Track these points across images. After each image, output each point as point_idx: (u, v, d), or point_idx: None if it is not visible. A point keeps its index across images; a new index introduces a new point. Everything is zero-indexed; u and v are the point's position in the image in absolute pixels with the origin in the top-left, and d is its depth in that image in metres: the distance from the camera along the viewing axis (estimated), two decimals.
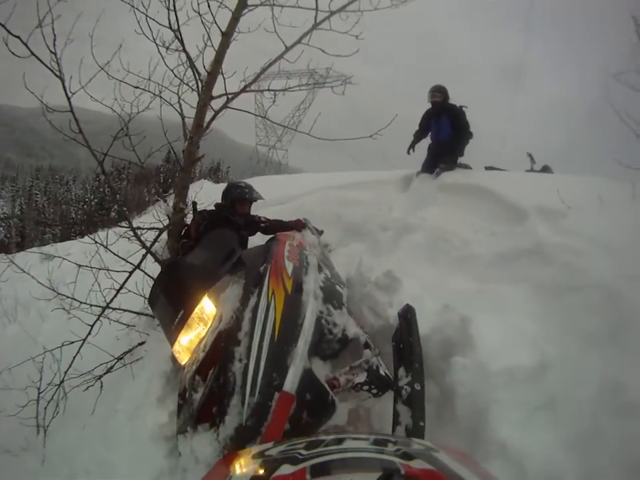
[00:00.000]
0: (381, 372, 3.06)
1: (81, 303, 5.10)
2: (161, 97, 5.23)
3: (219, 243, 4.10)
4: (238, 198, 5.26)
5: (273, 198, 8.13)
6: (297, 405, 2.66)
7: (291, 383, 2.68)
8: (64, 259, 5.79)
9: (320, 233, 6.21)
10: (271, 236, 4.87)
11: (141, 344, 5.10)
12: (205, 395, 2.96)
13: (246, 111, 5.97)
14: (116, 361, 4.92)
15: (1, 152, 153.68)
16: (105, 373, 4.75)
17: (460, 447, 2.80)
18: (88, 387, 4.61)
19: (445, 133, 7.88)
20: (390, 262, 4.77)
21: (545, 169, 9.67)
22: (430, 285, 4.25)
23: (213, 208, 5.38)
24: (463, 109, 7.79)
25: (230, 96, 5.34)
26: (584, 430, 2.57)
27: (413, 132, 8.33)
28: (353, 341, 3.33)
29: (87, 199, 53.86)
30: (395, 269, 4.28)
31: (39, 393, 4.65)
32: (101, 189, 53.98)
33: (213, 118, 5.37)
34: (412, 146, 8.27)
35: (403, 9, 5.49)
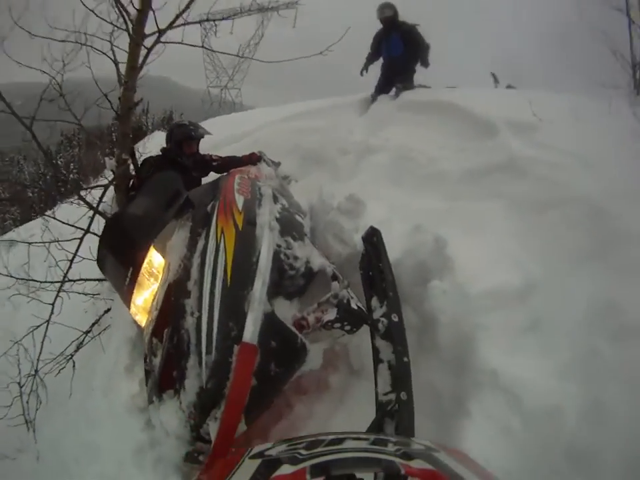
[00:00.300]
0: (353, 305, 2.74)
1: (40, 282, 4.89)
2: (91, 46, 4.89)
3: (160, 187, 3.71)
4: (183, 137, 4.84)
5: (225, 137, 7.98)
6: (261, 355, 2.35)
7: (250, 332, 2.35)
8: (23, 242, 5.36)
9: (277, 164, 5.82)
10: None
11: (106, 311, 4.88)
12: (162, 359, 2.67)
13: (182, 43, 5.53)
14: (84, 335, 4.73)
15: None
16: (75, 351, 4.58)
17: (447, 377, 2.67)
18: (60, 369, 4.46)
19: (396, 49, 7.55)
20: (352, 186, 4.47)
21: (510, 88, 9.37)
22: (397, 206, 3.95)
23: (159, 153, 5.01)
24: (416, 27, 7.47)
25: (161, 31, 4.99)
26: (579, 354, 2.35)
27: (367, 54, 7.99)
28: (319, 274, 2.98)
29: (41, 175, 52.26)
30: (358, 192, 3.94)
31: (20, 388, 4.43)
32: (54, 161, 52.57)
33: (147, 56, 5.00)
34: (365, 67, 8.00)
35: None
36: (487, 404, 2.34)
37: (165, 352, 2.65)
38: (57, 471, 3.59)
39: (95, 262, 3.59)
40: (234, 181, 3.55)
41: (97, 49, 4.88)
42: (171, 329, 2.65)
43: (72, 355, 4.48)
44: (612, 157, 3.43)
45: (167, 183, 3.70)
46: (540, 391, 2.26)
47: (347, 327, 2.72)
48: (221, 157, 5.27)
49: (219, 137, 6.24)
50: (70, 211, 5.13)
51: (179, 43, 5.33)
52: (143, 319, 3.07)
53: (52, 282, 4.84)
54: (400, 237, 3.37)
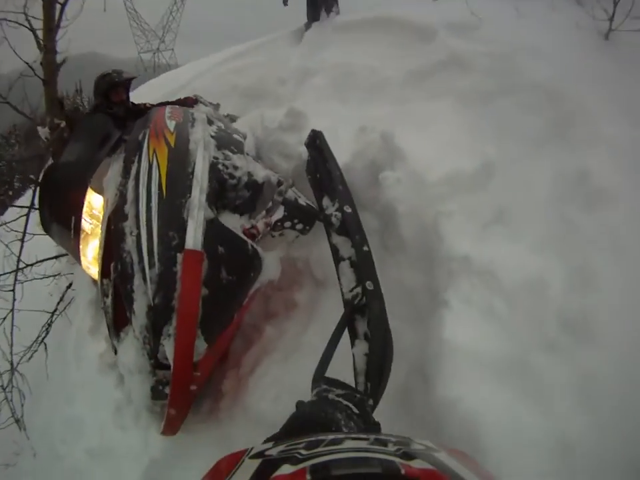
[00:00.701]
0: (301, 202, 2.72)
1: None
2: (5, 19, 4.92)
3: (88, 130, 3.58)
4: (108, 85, 4.34)
5: (162, 94, 7.42)
6: (209, 262, 2.25)
7: (192, 237, 2.23)
8: None
9: (216, 106, 5.47)
10: None
11: (69, 287, 4.85)
12: (112, 295, 2.58)
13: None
14: (52, 315, 4.73)
15: None
16: (47, 332, 4.61)
17: (416, 273, 2.59)
18: (32, 354, 4.46)
19: None
20: (293, 105, 4.11)
21: None
22: (342, 118, 3.78)
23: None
24: None
25: None
26: (554, 227, 2.29)
27: None
28: (266, 187, 2.91)
29: None
30: (296, 106, 3.83)
31: (4, 391, 4.40)
32: None
33: (62, 12, 4.95)
34: None
35: None
36: (464, 290, 2.25)
37: (113, 285, 2.54)
38: (50, 458, 3.66)
39: (45, 236, 3.49)
40: (165, 110, 3.34)
41: (12, 21, 4.84)
42: (115, 260, 2.50)
43: (43, 338, 4.48)
44: (559, 47, 3.31)
45: (95, 124, 3.59)
46: (519, 267, 2.19)
47: (299, 226, 2.68)
48: (152, 104, 4.75)
49: (155, 96, 6.04)
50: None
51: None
52: (95, 271, 2.93)
53: (8, 273, 4.74)
54: (346, 142, 3.25)
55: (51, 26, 4.89)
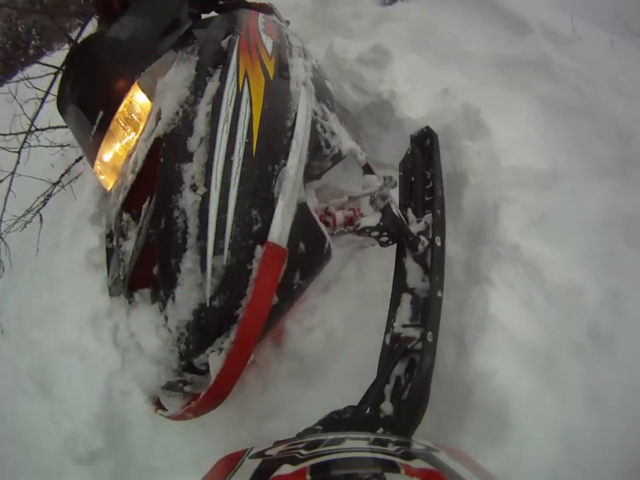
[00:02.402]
0: (395, 212, 2.15)
1: (5, 135, 4.42)
2: None
3: (156, 6, 2.56)
4: None
5: None
6: (287, 264, 1.78)
7: (280, 227, 1.75)
8: None
9: (287, 23, 5.28)
10: None
11: (78, 160, 4.56)
12: (137, 247, 1.99)
13: None
14: (53, 186, 4.45)
15: None
16: (44, 203, 4.37)
17: (462, 246, 2.61)
18: (25, 224, 4.23)
19: None
20: (368, 45, 4.02)
21: None
22: (420, 71, 3.72)
23: None
24: None
25: None
26: (597, 250, 2.36)
27: None
28: (345, 159, 2.44)
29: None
30: (384, 43, 3.75)
31: None
32: (13, 28, 48.82)
33: None
34: None
35: None
36: (508, 275, 2.30)
37: (143, 237, 1.96)
38: (21, 340, 3.49)
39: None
40: (257, 18, 2.60)
41: None
42: (154, 205, 1.91)
43: (39, 209, 4.28)
44: None
45: (165, 2, 2.62)
46: (560, 272, 2.26)
47: (384, 238, 2.17)
48: None
49: None
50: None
51: None
52: (109, 180, 2.33)
53: (17, 133, 4.43)
54: (424, 98, 3.24)
55: None
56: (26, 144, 4.46)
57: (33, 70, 4.82)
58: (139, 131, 2.12)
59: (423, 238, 2.18)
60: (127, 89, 2.13)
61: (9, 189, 4.35)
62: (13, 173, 4.35)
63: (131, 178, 2.05)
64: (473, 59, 3.93)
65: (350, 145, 2.41)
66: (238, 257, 1.73)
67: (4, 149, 4.42)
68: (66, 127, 4.40)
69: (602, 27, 4.22)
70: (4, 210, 4.27)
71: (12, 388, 3.28)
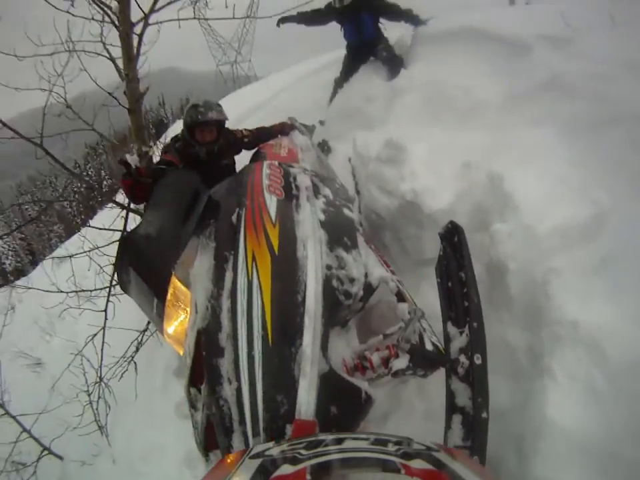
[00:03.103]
0: (427, 346, 2.22)
1: (91, 291, 5.09)
2: (83, 50, 4.92)
3: (173, 193, 3.04)
4: (192, 122, 3.88)
5: (247, 108, 8.07)
6: (321, 425, 1.89)
7: (305, 404, 1.91)
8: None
9: (311, 129, 5.45)
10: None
11: None
12: (203, 422, 2.22)
13: (171, 20, 5.42)
14: (141, 334, 4.84)
15: None
16: (135, 352, 4.71)
17: (521, 332, 2.50)
18: (122, 373, 4.59)
19: (368, 32, 6.15)
20: (387, 132, 4.04)
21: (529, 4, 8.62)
22: (439, 145, 3.65)
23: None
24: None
25: (147, 14, 4.99)
26: None
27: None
28: (379, 289, 2.49)
29: (75, 189, 54.14)
30: (395, 137, 3.68)
31: (89, 396, 4.61)
32: (85, 173, 54.82)
33: (139, 43, 5.01)
34: (288, 21, 6.32)
35: None
36: (569, 361, 2.15)
37: (205, 416, 2.20)
38: (130, 471, 3.81)
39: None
40: (261, 172, 2.94)
41: (90, 51, 4.92)
42: (207, 391, 2.14)
43: (132, 357, 4.60)
44: None
45: (181, 186, 3.05)
46: (623, 341, 2.05)
47: (420, 373, 2.24)
48: (251, 131, 4.44)
49: (241, 110, 6.12)
50: (110, 216, 5.35)
51: (169, 21, 5.29)
52: (178, 348, 2.57)
53: (100, 289, 4.97)
54: (450, 179, 3.21)
55: (130, 55, 4.96)
56: (112, 296, 4.88)
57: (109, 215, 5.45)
58: (188, 314, 2.39)
59: (462, 359, 2.12)
60: (167, 281, 2.46)
61: (103, 342, 4.75)
62: (103, 328, 4.77)
63: (189, 361, 2.28)
64: (486, 107, 3.88)
65: (380, 273, 2.49)
66: (272, 436, 1.87)
67: (92, 310, 5.00)
68: None
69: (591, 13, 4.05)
70: (102, 359, 4.68)
71: None
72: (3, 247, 62.61)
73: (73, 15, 4.66)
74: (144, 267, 2.69)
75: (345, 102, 6.04)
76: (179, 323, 2.49)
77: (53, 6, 4.56)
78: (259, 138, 4.43)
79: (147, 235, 2.80)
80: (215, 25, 5.53)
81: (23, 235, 62.76)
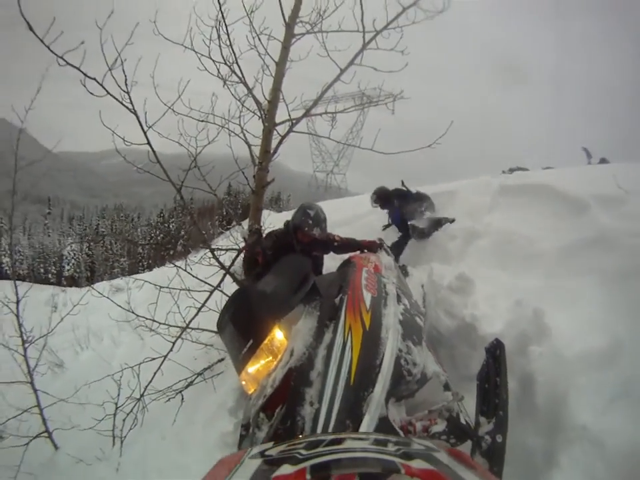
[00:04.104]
0: (462, 420, 2.78)
1: (161, 323, 5.49)
2: (227, 128, 5.71)
3: (290, 269, 3.79)
4: (298, 226, 4.97)
5: (338, 219, 8.46)
6: None
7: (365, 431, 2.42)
8: (148, 282, 6.05)
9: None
10: (345, 256, 4.81)
11: (220, 360, 5.36)
12: (269, 436, 2.68)
13: (310, 133, 6.41)
14: (196, 376, 5.18)
15: (65, 195, 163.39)
16: (186, 387, 5.03)
17: (538, 437, 2.95)
18: (169, 398, 4.89)
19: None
20: (460, 268, 4.90)
21: (603, 162, 9.50)
22: (501, 285, 4.39)
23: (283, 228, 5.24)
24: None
25: (294, 121, 5.85)
26: None
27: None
28: (431, 380, 3.04)
29: (152, 235, 56.46)
30: (466, 272, 4.45)
31: (117, 407, 4.94)
32: (165, 225, 56.79)
33: (280, 142, 5.89)
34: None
35: (441, 18, 5.70)
36: (575, 454, 2.61)
37: (273, 431, 2.66)
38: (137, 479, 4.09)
39: (216, 313, 3.77)
40: (361, 275, 3.66)
41: (231, 131, 5.71)
42: (284, 411, 2.67)
43: (181, 390, 4.93)
44: None
45: (298, 266, 3.81)
46: (624, 439, 2.52)
47: (452, 440, 2.72)
48: (342, 238, 5.30)
49: (332, 218, 6.80)
50: (171, 272, 5.83)
51: (308, 133, 6.18)
52: (251, 387, 3.12)
53: (175, 326, 5.46)
54: (503, 311, 3.82)
55: (268, 149, 5.78)
56: (181, 337, 5.32)
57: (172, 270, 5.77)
58: (277, 359, 2.99)
59: (486, 437, 2.64)
60: (270, 329, 3.08)
61: (159, 368, 5.15)
62: (165, 356, 5.16)
63: (269, 390, 2.84)
64: (545, 257, 4.52)
65: (434, 369, 3.04)
66: None
67: (162, 336, 5.36)
68: (211, 331, 5.35)
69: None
70: (151, 380, 5.01)
71: None
72: (69, 253, 65.95)
73: (234, 94, 5.58)
74: (253, 315, 3.32)
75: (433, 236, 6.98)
76: (264, 364, 3.09)
77: (217, 76, 5.55)
78: (348, 245, 5.27)
79: (263, 291, 3.50)
80: (322, 130, 6.30)
81: (91, 253, 66.67)
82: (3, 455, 4.97)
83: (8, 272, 59.22)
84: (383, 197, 7.81)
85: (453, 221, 7.05)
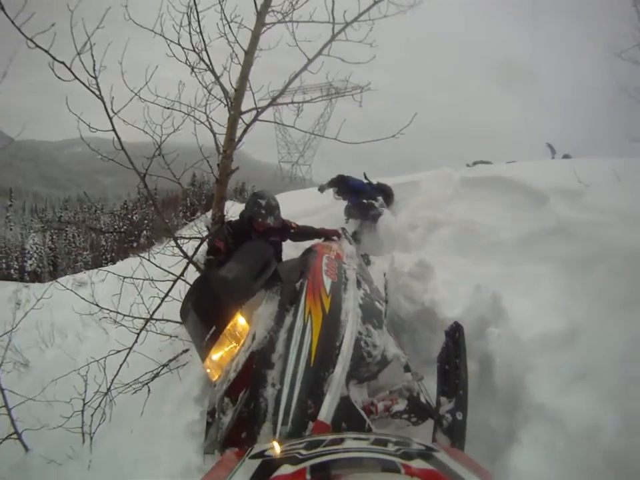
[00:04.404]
0: (422, 399, 2.90)
1: (125, 315, 5.40)
2: (192, 116, 5.66)
3: (253, 256, 3.88)
4: (252, 216, 4.93)
5: (300, 210, 8.56)
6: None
7: (326, 411, 2.54)
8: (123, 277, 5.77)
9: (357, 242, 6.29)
10: (308, 244, 4.93)
11: (185, 351, 5.33)
12: (233, 420, 2.80)
13: (276, 122, 6.43)
14: (162, 367, 5.17)
15: (28, 186, 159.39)
16: (152, 379, 4.98)
17: (499, 416, 3.01)
18: (136, 391, 4.85)
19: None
20: (421, 256, 4.88)
21: (566, 157, 9.75)
22: (461, 272, 4.46)
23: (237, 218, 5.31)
24: None
25: (260, 109, 5.81)
26: (620, 383, 2.65)
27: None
28: (392, 362, 3.17)
29: (115, 227, 56.02)
30: (426, 258, 4.51)
31: (85, 404, 4.85)
32: (129, 216, 56.12)
33: (245, 131, 5.82)
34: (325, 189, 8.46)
35: (411, 13, 5.71)
36: (535, 431, 2.67)
37: (237, 413, 2.79)
38: (109, 476, 4.06)
39: (180, 303, 3.75)
40: (322, 261, 3.85)
41: (197, 119, 5.69)
42: (248, 394, 2.80)
43: (148, 382, 4.90)
44: None
45: (260, 252, 3.90)
46: (582, 416, 2.57)
47: (413, 419, 2.87)
48: (298, 226, 5.45)
49: (293, 210, 6.80)
50: (134, 263, 5.77)
51: (272, 122, 6.37)
52: (215, 374, 3.22)
53: (139, 317, 5.43)
54: (462, 297, 3.87)
55: (233, 137, 5.74)
56: (145, 329, 5.30)
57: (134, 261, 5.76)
58: (240, 344, 3.15)
59: (447, 415, 2.73)
60: (232, 315, 3.22)
61: (124, 360, 5.08)
62: (130, 348, 5.12)
63: (233, 375, 2.98)
64: (505, 245, 4.63)
65: (394, 351, 3.18)
66: (297, 428, 2.50)
67: (127, 327, 5.32)
68: (175, 321, 5.32)
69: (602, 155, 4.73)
70: (117, 374, 4.92)
71: None
72: (31, 247, 64.16)
73: (200, 82, 5.54)
74: (215, 301, 3.45)
75: (390, 226, 7.07)
76: (227, 350, 3.21)
77: (186, 63, 5.51)
78: (305, 233, 5.43)
79: (224, 277, 3.60)
80: (288, 120, 6.32)
81: (53, 246, 65.42)
82: None
83: None
84: (344, 189, 8.04)
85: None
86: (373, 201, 7.81)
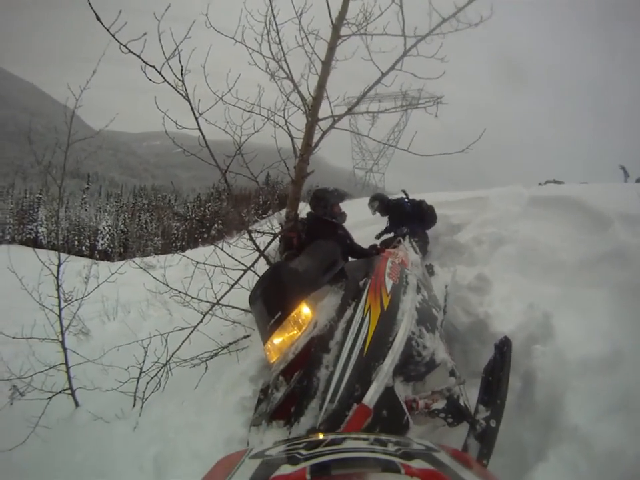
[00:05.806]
0: (461, 402, 3.06)
1: (193, 297, 5.71)
2: (272, 120, 5.96)
3: (322, 253, 4.14)
4: (336, 200, 5.49)
5: (371, 218, 8.74)
6: (372, 419, 2.68)
7: (370, 397, 2.71)
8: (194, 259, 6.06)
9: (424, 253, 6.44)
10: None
11: (246, 337, 5.57)
12: (285, 394, 3.10)
13: (351, 131, 6.65)
14: (222, 348, 5.42)
15: (105, 172, 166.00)
16: (211, 357, 5.28)
17: (532, 432, 3.07)
18: (194, 365, 5.11)
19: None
20: (481, 271, 5.06)
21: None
22: (518, 289, 4.59)
23: (305, 217, 5.73)
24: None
25: (336, 117, 6.08)
26: None
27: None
28: (439, 367, 3.33)
29: (188, 217, 57.35)
30: (486, 272, 4.71)
31: (141, 372, 5.13)
32: (201, 208, 57.45)
33: (322, 137, 6.12)
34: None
35: (483, 27, 5.82)
36: (563, 452, 2.72)
37: (290, 390, 3.09)
38: (153, 438, 4.22)
39: (247, 291, 4.08)
40: (386, 264, 4.08)
41: (276, 123, 5.97)
42: (302, 373, 3.08)
43: (207, 360, 5.15)
44: None
45: (329, 251, 4.19)
46: (611, 442, 2.61)
47: (450, 419, 2.96)
48: (353, 242, 5.58)
49: (361, 218, 6.93)
50: (206, 252, 6.18)
51: (347, 130, 6.55)
52: (273, 356, 3.51)
53: (206, 301, 5.71)
54: (516, 313, 4.02)
55: (309, 142, 6.03)
56: (210, 313, 5.58)
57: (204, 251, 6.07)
58: (302, 330, 3.39)
59: (482, 421, 2.83)
60: (298, 304, 3.48)
61: (188, 337, 5.40)
62: (195, 327, 5.46)
63: (291, 357, 3.27)
64: (564, 266, 4.71)
65: (443, 356, 3.37)
66: (342, 406, 2.73)
67: (194, 308, 5.65)
68: (240, 308, 5.69)
69: None
70: (178, 349, 5.21)
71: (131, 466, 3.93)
72: (104, 228, 68.10)
73: (280, 89, 5.87)
74: (284, 289, 3.71)
75: (455, 238, 7.34)
76: (288, 335, 3.46)
77: (266, 71, 5.89)
78: (353, 250, 5.49)
79: (295, 269, 3.93)
80: (364, 129, 6.47)
81: (125, 229, 68.70)
82: (25, 407, 5.21)
83: (43, 241, 60.59)
84: (384, 206, 8.07)
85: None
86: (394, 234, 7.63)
